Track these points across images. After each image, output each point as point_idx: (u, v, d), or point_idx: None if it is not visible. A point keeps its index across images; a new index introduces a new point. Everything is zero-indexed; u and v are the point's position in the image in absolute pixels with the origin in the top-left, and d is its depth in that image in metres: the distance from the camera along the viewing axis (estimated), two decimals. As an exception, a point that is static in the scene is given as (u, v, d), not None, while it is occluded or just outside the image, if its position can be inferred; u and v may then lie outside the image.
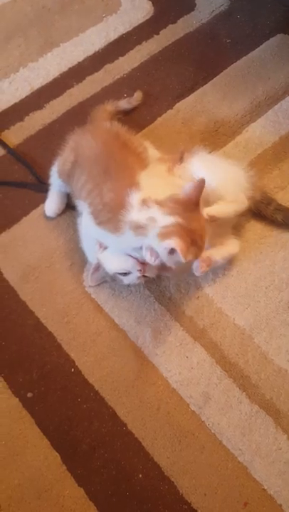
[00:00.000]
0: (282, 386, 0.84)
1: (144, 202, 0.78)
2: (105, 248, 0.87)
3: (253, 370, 0.85)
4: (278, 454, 0.79)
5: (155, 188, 0.81)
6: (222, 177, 0.90)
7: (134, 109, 1.13)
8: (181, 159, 0.92)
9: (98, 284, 0.94)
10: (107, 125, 0.96)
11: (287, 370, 0.84)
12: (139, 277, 0.86)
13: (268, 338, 0.87)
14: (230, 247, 0.92)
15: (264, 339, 0.87)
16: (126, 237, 0.79)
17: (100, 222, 0.83)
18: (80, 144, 0.92)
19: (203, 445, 0.81)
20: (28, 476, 0.81)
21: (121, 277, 0.88)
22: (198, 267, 0.84)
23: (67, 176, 0.93)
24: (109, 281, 0.93)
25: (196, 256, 0.77)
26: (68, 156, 0.93)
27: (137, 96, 1.12)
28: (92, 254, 0.92)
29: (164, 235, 0.74)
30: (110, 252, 0.87)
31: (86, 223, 0.88)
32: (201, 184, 0.77)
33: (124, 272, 0.86)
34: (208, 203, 0.85)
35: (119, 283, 0.91)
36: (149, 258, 0.78)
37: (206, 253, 0.84)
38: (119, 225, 0.79)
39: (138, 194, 0.79)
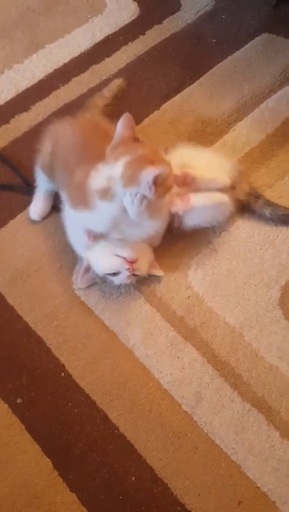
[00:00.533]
0: (273, 383, 0.84)
1: (97, 169, 0.76)
2: (94, 237, 0.85)
3: (244, 368, 0.85)
4: (271, 451, 0.79)
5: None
6: (206, 161, 0.91)
7: (120, 111, 1.13)
8: (165, 151, 0.92)
9: (88, 286, 0.93)
10: (86, 116, 0.95)
11: (278, 367, 0.84)
12: (128, 276, 0.85)
13: (259, 335, 0.87)
14: (217, 194, 0.89)
15: (255, 337, 0.87)
16: (101, 209, 0.78)
17: (74, 205, 0.82)
18: (57, 134, 0.91)
19: (196, 445, 0.81)
20: (19, 483, 0.79)
21: (111, 278, 0.87)
22: (177, 203, 0.82)
23: (49, 169, 0.92)
24: (99, 282, 0.93)
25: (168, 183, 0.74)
26: (47, 148, 0.92)
27: (116, 82, 1.10)
28: (80, 247, 0.91)
29: (128, 178, 0.71)
30: (98, 251, 0.86)
31: (68, 213, 0.88)
32: (126, 118, 0.75)
33: (114, 272, 0.86)
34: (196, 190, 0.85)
35: (110, 284, 0.90)
36: (130, 205, 0.75)
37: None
38: (89, 200, 0.78)
39: (100, 166, 0.77)
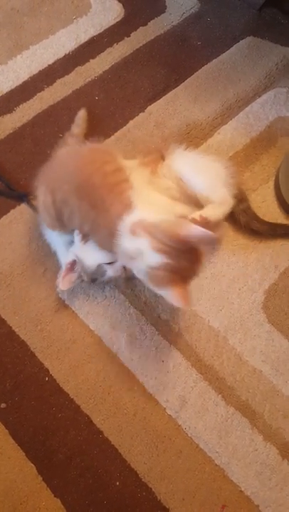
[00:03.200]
0: (257, 387, 0.84)
1: (133, 229, 0.69)
2: (86, 240, 0.83)
3: (228, 371, 0.85)
4: (255, 455, 0.80)
5: (148, 204, 0.74)
6: (207, 176, 0.87)
7: (105, 112, 1.13)
8: (163, 157, 0.90)
9: (72, 289, 0.92)
10: (70, 152, 0.89)
11: (261, 371, 0.85)
12: (122, 266, 0.82)
13: (243, 339, 0.88)
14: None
15: (238, 340, 0.88)
16: (120, 256, 0.75)
17: (100, 246, 0.81)
18: (52, 180, 0.83)
19: (180, 449, 0.81)
20: (2, 489, 0.78)
21: (105, 268, 0.84)
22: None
23: (59, 221, 0.83)
24: (85, 280, 0.88)
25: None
26: (45, 201, 0.83)
27: (80, 114, 1.07)
28: (60, 243, 0.88)
29: (154, 278, 0.66)
30: (91, 242, 0.83)
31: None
32: (207, 235, 0.65)
33: (110, 261, 0.82)
34: (196, 204, 0.83)
35: (96, 282, 0.88)
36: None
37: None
38: (114, 247, 0.74)
39: (130, 217, 0.71)
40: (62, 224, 0.84)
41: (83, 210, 0.78)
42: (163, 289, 0.67)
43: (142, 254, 0.68)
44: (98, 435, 0.82)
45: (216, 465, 0.79)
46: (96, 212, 0.76)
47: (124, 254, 0.72)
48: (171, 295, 0.66)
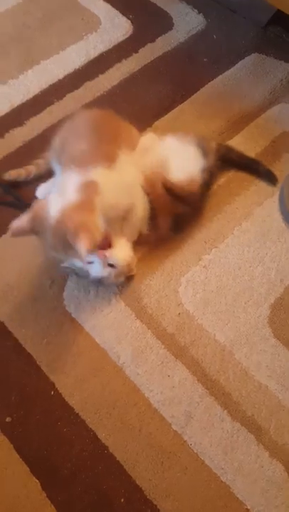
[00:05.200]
0: (263, 402, 0.84)
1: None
2: None
3: (234, 387, 0.85)
4: (260, 471, 0.79)
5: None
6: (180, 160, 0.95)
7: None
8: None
9: (79, 302, 0.93)
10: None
11: (267, 386, 0.85)
12: (103, 266, 0.85)
13: (249, 353, 0.88)
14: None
15: (244, 355, 0.88)
16: None
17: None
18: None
19: (186, 466, 0.80)
20: (5, 505, 0.78)
21: (86, 268, 0.87)
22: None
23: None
24: (78, 273, 0.91)
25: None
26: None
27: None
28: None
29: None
30: None
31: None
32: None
33: (88, 261, 0.85)
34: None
35: (90, 278, 0.90)
36: None
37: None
38: None
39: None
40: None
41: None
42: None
43: None
44: (103, 450, 0.82)
45: (222, 482, 0.79)
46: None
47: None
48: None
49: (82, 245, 0.71)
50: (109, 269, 0.87)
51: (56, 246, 0.78)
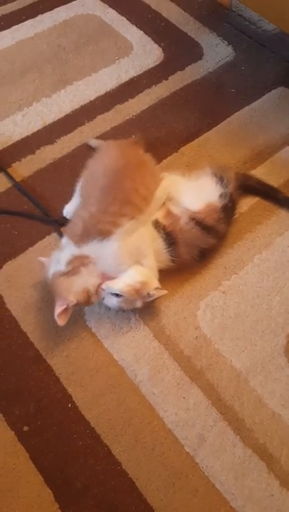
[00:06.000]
0: (275, 431, 0.85)
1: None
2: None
3: (247, 413, 0.87)
4: (270, 500, 0.80)
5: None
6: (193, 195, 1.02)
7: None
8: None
9: (99, 317, 0.96)
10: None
11: (280, 415, 0.86)
12: (104, 294, 0.91)
13: (263, 381, 0.90)
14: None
15: (259, 382, 0.89)
16: None
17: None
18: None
19: (197, 488, 0.82)
20: (19, 514, 0.80)
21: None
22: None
23: None
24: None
25: None
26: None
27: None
28: None
29: None
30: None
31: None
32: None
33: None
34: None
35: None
36: None
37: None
38: None
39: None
40: None
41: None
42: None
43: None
44: (116, 466, 0.84)
45: (232, 507, 0.80)
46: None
47: None
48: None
49: (56, 310, 0.87)
50: (116, 299, 0.90)
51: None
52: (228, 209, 1.02)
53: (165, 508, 0.80)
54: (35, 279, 1.01)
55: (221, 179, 1.02)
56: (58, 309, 0.87)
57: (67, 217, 1.06)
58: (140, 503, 0.81)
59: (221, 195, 1.00)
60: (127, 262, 0.91)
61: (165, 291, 0.92)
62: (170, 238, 0.95)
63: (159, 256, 0.95)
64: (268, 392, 0.88)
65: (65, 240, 0.95)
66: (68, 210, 1.07)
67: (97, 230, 0.90)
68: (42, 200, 1.11)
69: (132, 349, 0.94)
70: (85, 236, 0.90)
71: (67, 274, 0.89)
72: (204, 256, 1.00)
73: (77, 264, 0.89)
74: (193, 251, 0.97)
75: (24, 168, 1.16)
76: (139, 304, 0.92)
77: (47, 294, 0.99)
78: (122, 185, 0.93)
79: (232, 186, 1.03)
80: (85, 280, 0.88)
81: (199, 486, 0.82)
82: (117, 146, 1.06)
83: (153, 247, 0.94)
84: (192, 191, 1.02)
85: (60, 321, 0.87)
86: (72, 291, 0.87)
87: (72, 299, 0.87)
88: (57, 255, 0.93)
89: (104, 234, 0.89)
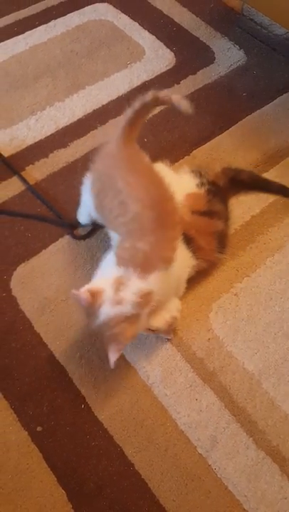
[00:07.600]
0: (288, 433, 0.85)
1: None
2: None
3: (260, 415, 0.87)
4: (284, 503, 0.80)
5: None
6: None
7: (153, 154, 1.19)
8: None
9: None
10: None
11: (293, 418, 0.86)
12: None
13: (276, 384, 0.90)
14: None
15: (272, 385, 0.89)
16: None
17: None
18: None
19: (209, 490, 0.82)
20: (33, 512, 0.81)
21: None
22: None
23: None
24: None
25: None
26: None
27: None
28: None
29: None
30: None
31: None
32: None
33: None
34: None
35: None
36: None
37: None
38: None
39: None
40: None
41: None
42: None
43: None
44: (129, 467, 0.84)
45: (244, 509, 0.80)
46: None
47: None
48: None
49: (111, 356, 0.79)
50: (152, 333, 0.90)
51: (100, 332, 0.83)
52: (214, 192, 1.01)
53: (178, 509, 0.80)
54: (49, 282, 1.02)
55: (197, 172, 1.04)
56: (116, 355, 0.79)
57: (80, 221, 1.06)
58: (153, 504, 0.81)
59: (198, 185, 1.02)
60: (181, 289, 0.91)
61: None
62: (185, 235, 0.93)
63: (187, 260, 0.93)
64: (281, 395, 0.88)
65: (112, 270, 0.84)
66: (82, 213, 1.06)
67: (161, 258, 0.82)
68: (55, 203, 1.13)
69: (144, 350, 0.94)
70: (147, 267, 0.81)
71: (130, 318, 0.79)
72: (223, 244, 0.99)
73: (143, 303, 0.80)
74: (210, 240, 0.96)
75: (37, 171, 1.18)
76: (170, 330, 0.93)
77: (61, 296, 1.00)
78: (167, 208, 0.86)
79: (212, 175, 1.06)
80: (144, 324, 0.83)
81: (212, 487, 0.82)
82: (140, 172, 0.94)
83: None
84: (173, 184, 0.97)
85: (113, 365, 0.80)
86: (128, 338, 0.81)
87: (126, 343, 0.81)
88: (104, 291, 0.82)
89: (168, 262, 0.83)
